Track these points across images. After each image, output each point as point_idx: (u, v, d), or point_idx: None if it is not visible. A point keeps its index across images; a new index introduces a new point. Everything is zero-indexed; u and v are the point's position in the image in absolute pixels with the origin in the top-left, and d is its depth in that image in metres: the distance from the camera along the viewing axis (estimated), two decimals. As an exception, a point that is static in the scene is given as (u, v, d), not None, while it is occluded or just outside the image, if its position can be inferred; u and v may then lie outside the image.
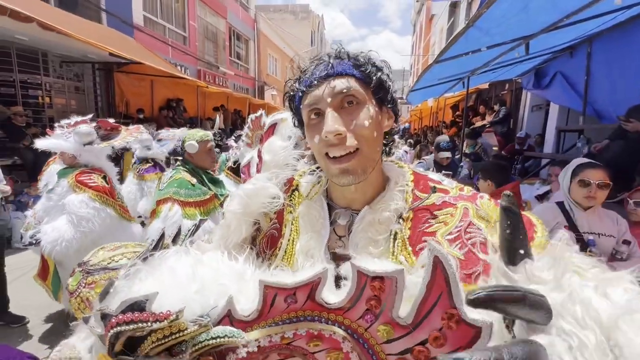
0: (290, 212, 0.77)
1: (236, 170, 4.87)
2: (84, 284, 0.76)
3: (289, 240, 0.74)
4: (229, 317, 0.46)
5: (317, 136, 0.66)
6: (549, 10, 2.97)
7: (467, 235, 0.62)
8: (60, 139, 2.58)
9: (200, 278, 0.48)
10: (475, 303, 0.35)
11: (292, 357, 0.47)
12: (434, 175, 0.74)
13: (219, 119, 10.77)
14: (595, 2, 2.69)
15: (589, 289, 0.42)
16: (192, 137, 2.46)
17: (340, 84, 0.65)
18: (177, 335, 0.42)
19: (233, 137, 5.18)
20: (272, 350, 0.46)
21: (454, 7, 15.87)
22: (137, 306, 0.43)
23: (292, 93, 0.73)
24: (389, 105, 0.73)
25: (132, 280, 0.49)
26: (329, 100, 0.65)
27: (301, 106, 0.70)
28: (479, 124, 8.30)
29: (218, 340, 0.43)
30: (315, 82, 0.66)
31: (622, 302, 0.41)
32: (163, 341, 0.42)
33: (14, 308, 3.05)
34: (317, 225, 0.72)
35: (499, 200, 0.68)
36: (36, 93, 7.50)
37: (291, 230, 0.75)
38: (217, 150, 6.37)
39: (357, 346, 0.46)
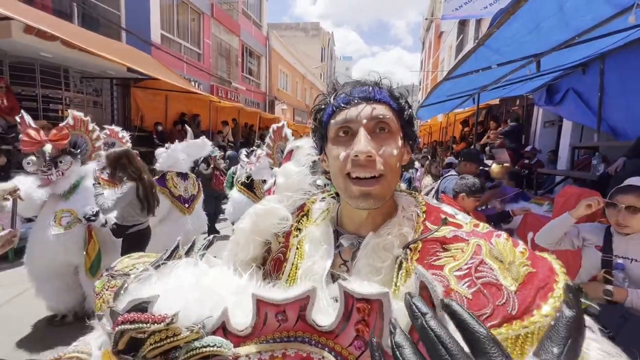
0: (296, 236, 0.77)
1: (249, 186, 4.87)
2: (107, 287, 0.80)
3: (292, 264, 0.73)
4: (223, 330, 0.45)
5: (343, 153, 0.66)
6: (562, 29, 2.97)
7: (477, 274, 0.58)
8: None
9: (201, 288, 0.49)
10: None
11: None
12: (447, 208, 0.72)
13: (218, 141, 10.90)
14: (608, 21, 2.69)
15: None
16: None
17: (379, 109, 0.66)
18: (172, 339, 0.43)
19: (245, 152, 5.17)
20: None
21: (462, 24, 16.07)
22: (141, 307, 0.44)
23: (322, 106, 0.73)
24: (410, 142, 0.74)
25: (144, 284, 0.51)
26: (364, 121, 0.65)
27: (331, 121, 0.70)
28: (489, 140, 8.20)
29: (208, 349, 0.43)
30: (355, 101, 0.67)
31: None
32: (160, 344, 0.43)
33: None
34: (320, 250, 0.71)
35: (517, 240, 0.64)
36: (56, 107, 7.81)
37: (295, 254, 0.74)
38: (223, 161, 6.43)
39: None
